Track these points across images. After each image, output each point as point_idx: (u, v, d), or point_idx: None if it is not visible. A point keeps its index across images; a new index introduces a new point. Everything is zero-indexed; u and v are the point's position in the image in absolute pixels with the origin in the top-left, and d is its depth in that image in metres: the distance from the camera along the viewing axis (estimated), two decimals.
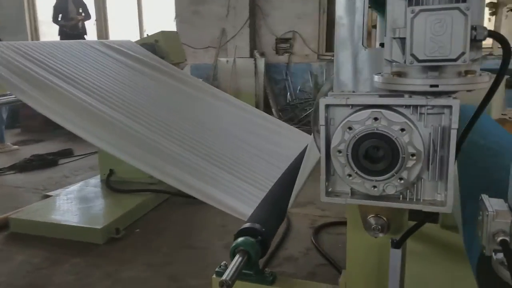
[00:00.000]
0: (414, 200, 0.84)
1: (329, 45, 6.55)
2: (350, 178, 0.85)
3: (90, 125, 1.98)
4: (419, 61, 0.74)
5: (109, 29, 8.06)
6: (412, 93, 0.80)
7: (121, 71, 2.57)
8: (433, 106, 0.79)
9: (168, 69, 2.79)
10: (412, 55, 0.74)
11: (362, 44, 1.00)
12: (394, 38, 0.78)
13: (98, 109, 2.14)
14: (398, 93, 0.82)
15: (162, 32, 3.33)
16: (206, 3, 7.07)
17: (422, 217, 0.95)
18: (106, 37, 7.93)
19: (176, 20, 7.37)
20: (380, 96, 0.86)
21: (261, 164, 2.18)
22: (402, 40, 0.76)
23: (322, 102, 0.84)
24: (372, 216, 1.00)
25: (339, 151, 0.85)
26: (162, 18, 7.62)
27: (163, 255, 2.84)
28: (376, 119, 0.81)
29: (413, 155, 0.80)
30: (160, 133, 2.18)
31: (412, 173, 0.81)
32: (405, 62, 0.76)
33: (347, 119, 0.84)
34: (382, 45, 0.88)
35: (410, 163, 0.80)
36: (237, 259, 1.17)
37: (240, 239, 1.22)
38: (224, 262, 1.48)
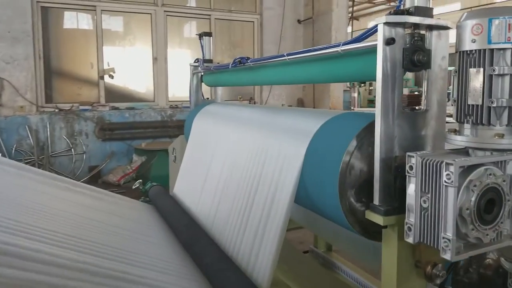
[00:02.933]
0: (499, 239, 1.00)
1: (50, 95, 5.73)
2: (473, 231, 0.92)
3: None
4: None
5: None
6: (496, 150, 0.97)
7: None
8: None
9: None
10: None
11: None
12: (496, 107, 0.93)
13: None
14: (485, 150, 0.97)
15: None
16: None
17: None
18: None
19: None
20: (466, 153, 0.98)
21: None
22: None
23: (457, 164, 0.87)
24: (432, 265, 1.08)
25: (467, 209, 0.90)
26: None
27: None
28: (490, 175, 0.92)
29: (509, 200, 0.96)
30: None
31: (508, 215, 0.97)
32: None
33: (469, 178, 0.90)
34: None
35: (507, 208, 0.96)
36: None
37: None
38: None
